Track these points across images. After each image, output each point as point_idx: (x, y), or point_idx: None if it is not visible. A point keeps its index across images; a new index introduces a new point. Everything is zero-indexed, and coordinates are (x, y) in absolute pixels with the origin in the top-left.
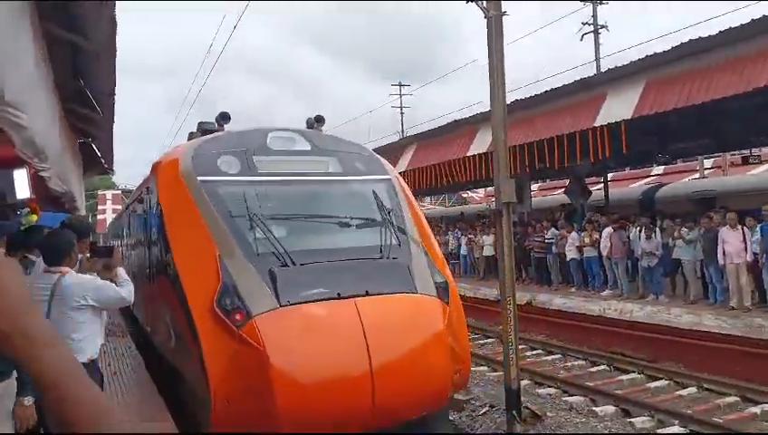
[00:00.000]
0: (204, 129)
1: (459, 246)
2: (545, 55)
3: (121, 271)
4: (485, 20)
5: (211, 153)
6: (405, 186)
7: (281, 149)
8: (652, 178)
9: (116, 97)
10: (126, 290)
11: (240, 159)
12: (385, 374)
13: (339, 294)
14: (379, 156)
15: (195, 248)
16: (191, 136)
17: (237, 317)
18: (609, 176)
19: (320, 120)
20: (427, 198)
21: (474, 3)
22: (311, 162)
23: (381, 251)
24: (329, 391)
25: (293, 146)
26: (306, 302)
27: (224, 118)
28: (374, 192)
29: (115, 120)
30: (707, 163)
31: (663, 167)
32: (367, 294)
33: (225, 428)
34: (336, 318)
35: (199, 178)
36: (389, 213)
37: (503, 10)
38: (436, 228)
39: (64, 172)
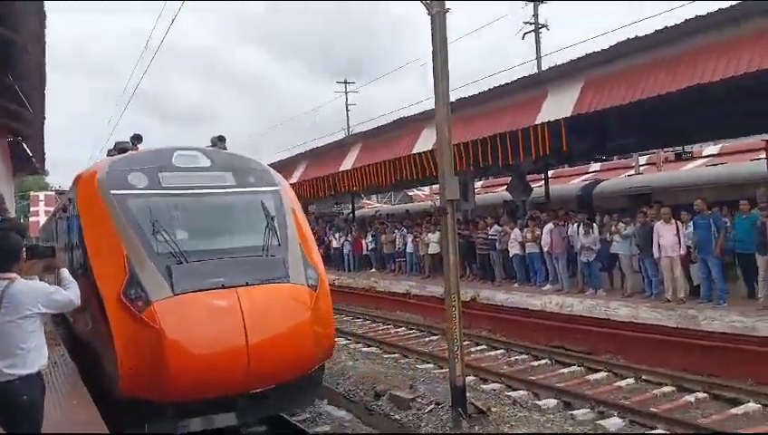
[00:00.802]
0: (119, 147)
1: (405, 244)
2: (488, 53)
3: (65, 272)
4: (429, 17)
5: (123, 169)
6: (292, 195)
7: (184, 166)
8: (590, 174)
9: (47, 92)
10: (73, 292)
11: (148, 174)
12: (258, 347)
13: (223, 285)
14: (271, 170)
15: (107, 250)
16: (109, 153)
17: (140, 304)
18: (550, 173)
19: (222, 139)
20: (374, 196)
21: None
22: (209, 177)
23: (263, 250)
24: (213, 361)
25: (195, 163)
26: (195, 291)
27: (137, 139)
28: (262, 202)
29: (46, 116)
30: (642, 160)
31: (600, 164)
32: (247, 284)
33: (131, 391)
34: (220, 303)
35: (112, 191)
36: (273, 219)
37: (446, 7)
38: (381, 226)
39: None
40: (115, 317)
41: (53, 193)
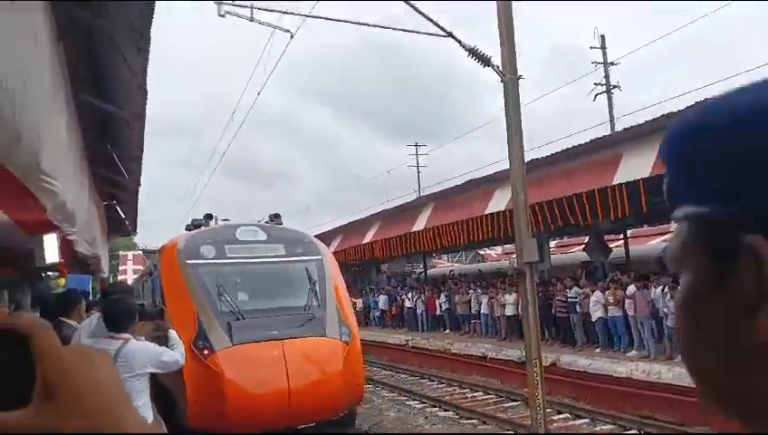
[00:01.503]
0: (195, 224)
1: (480, 304)
2: (561, 114)
3: (173, 333)
4: (502, 83)
5: (197, 243)
6: (333, 263)
7: (245, 239)
8: (672, 234)
9: (143, 161)
10: (179, 352)
11: (216, 247)
12: (297, 389)
13: (271, 338)
14: (316, 241)
15: (181, 307)
16: (187, 228)
17: (205, 352)
18: (630, 232)
19: (278, 215)
20: (444, 256)
21: (490, 67)
22: (265, 248)
23: (305, 309)
24: (261, 399)
25: (254, 237)
26: (249, 342)
27: (208, 217)
28: (306, 269)
29: (141, 183)
30: None
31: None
32: (291, 337)
33: (198, 424)
34: (268, 352)
35: (187, 260)
36: (315, 283)
37: (518, 74)
38: (455, 286)
39: (92, 236)
40: (186, 364)
41: (140, 252)
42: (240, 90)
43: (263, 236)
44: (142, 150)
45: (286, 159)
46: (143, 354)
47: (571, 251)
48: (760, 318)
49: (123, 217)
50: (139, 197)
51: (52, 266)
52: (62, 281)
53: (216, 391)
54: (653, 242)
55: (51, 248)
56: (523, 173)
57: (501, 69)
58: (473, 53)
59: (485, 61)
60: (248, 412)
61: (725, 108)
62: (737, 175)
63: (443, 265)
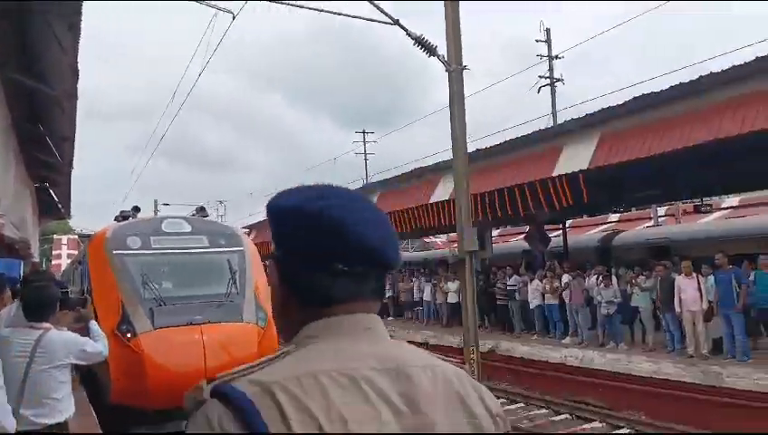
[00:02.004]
0: (123, 215)
1: (422, 291)
2: (506, 105)
3: (94, 325)
4: (447, 73)
5: (124, 233)
6: (255, 253)
7: (170, 231)
8: (608, 224)
9: (76, 142)
10: (102, 344)
11: (141, 238)
12: (213, 369)
13: (190, 322)
14: (239, 233)
15: (107, 295)
16: (116, 219)
17: (128, 335)
18: (569, 223)
19: (203, 208)
20: None
21: (435, 57)
22: (189, 240)
23: (224, 296)
24: (179, 377)
25: (179, 228)
26: (169, 326)
27: (136, 210)
28: (228, 260)
29: (74, 166)
30: (661, 211)
31: (618, 214)
32: (209, 322)
33: (119, 400)
34: (187, 335)
35: (114, 251)
36: (235, 273)
37: (463, 64)
38: (398, 274)
39: (20, 218)
40: (111, 347)
41: (76, 237)
42: (188, 73)
43: (187, 228)
44: (75, 131)
45: (235, 144)
46: (64, 345)
47: (513, 240)
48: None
49: (57, 199)
50: (72, 179)
51: None
52: None
53: (137, 371)
54: (591, 232)
55: None
56: (466, 165)
57: (446, 59)
58: (419, 42)
59: (431, 50)
60: (167, 390)
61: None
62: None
63: None
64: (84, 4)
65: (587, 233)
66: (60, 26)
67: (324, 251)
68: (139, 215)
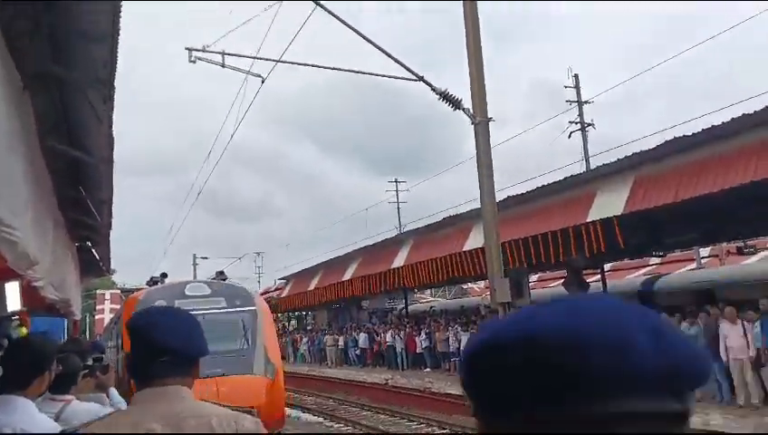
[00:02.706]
0: (153, 280)
1: (459, 341)
2: (538, 151)
3: (114, 393)
4: (472, 126)
5: (152, 297)
6: (266, 311)
7: (192, 293)
8: (650, 268)
9: (113, 204)
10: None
11: (168, 300)
12: None
13: (207, 375)
14: (253, 294)
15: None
16: (148, 283)
17: None
18: (607, 267)
19: (222, 273)
20: (428, 290)
21: (460, 110)
22: (208, 301)
23: (237, 352)
24: None
25: (200, 291)
26: None
27: (164, 276)
28: (242, 319)
29: (113, 225)
30: (705, 252)
31: (660, 257)
32: (223, 374)
33: None
34: (204, 387)
35: None
36: (248, 331)
37: (488, 116)
38: (435, 324)
39: (60, 279)
40: None
41: (119, 292)
42: (223, 130)
43: (207, 291)
44: (112, 192)
45: (270, 194)
46: (87, 415)
47: (552, 286)
48: None
49: (98, 258)
50: (110, 238)
51: (14, 314)
52: (24, 330)
53: None
54: (630, 276)
55: (13, 296)
56: (495, 215)
57: (472, 112)
58: (444, 96)
59: (456, 104)
60: None
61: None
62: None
63: (426, 300)
64: (117, 74)
65: (627, 277)
66: (95, 97)
67: (143, 350)
68: (167, 280)
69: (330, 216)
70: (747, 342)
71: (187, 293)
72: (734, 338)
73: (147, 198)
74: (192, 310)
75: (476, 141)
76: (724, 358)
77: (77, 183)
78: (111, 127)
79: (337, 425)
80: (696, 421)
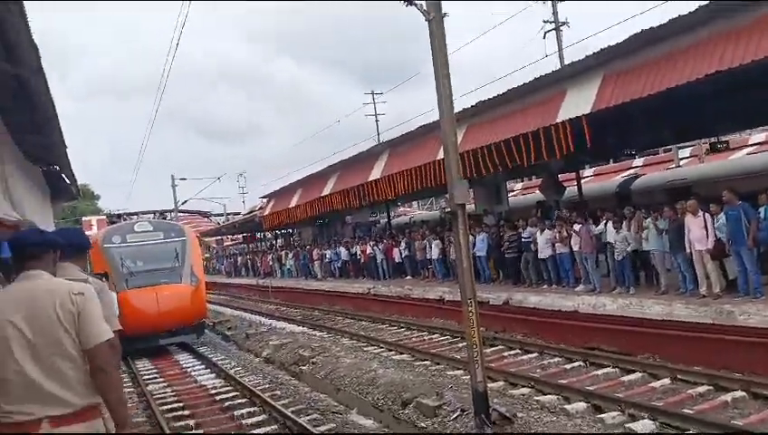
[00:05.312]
0: (111, 220)
1: (431, 249)
2: (513, 52)
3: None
4: (426, 22)
5: (110, 233)
6: (194, 240)
7: (139, 230)
8: (632, 170)
9: (59, 120)
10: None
11: (121, 236)
12: (163, 311)
13: (149, 284)
14: (184, 228)
15: (101, 271)
16: (107, 223)
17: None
18: (592, 171)
19: (163, 212)
20: (414, 203)
21: (413, 5)
22: (151, 235)
23: (170, 269)
24: (143, 317)
25: (145, 228)
26: (137, 287)
27: (119, 217)
28: (175, 247)
29: (67, 144)
30: (686, 152)
31: (643, 159)
32: (160, 284)
33: None
34: (148, 293)
35: (104, 245)
36: (178, 254)
37: (443, 11)
38: (415, 233)
39: (18, 199)
40: None
41: (105, 217)
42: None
43: (150, 228)
44: (54, 108)
45: (251, 114)
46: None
47: (533, 193)
48: None
49: (68, 182)
50: (69, 157)
51: None
52: None
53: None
54: (614, 179)
55: None
56: (452, 117)
57: (425, 7)
58: None
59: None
60: (136, 323)
61: None
62: None
63: (411, 213)
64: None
65: (611, 180)
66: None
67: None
68: (121, 220)
69: (311, 130)
70: (707, 233)
71: (135, 229)
72: (696, 230)
73: (133, 121)
74: (139, 242)
75: (431, 40)
76: (687, 250)
77: (20, 104)
78: (30, 35)
79: (320, 334)
80: (659, 312)
